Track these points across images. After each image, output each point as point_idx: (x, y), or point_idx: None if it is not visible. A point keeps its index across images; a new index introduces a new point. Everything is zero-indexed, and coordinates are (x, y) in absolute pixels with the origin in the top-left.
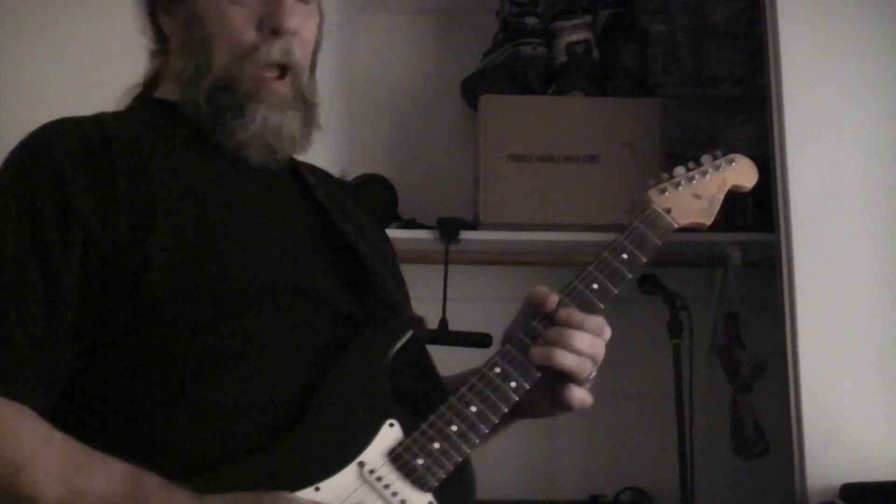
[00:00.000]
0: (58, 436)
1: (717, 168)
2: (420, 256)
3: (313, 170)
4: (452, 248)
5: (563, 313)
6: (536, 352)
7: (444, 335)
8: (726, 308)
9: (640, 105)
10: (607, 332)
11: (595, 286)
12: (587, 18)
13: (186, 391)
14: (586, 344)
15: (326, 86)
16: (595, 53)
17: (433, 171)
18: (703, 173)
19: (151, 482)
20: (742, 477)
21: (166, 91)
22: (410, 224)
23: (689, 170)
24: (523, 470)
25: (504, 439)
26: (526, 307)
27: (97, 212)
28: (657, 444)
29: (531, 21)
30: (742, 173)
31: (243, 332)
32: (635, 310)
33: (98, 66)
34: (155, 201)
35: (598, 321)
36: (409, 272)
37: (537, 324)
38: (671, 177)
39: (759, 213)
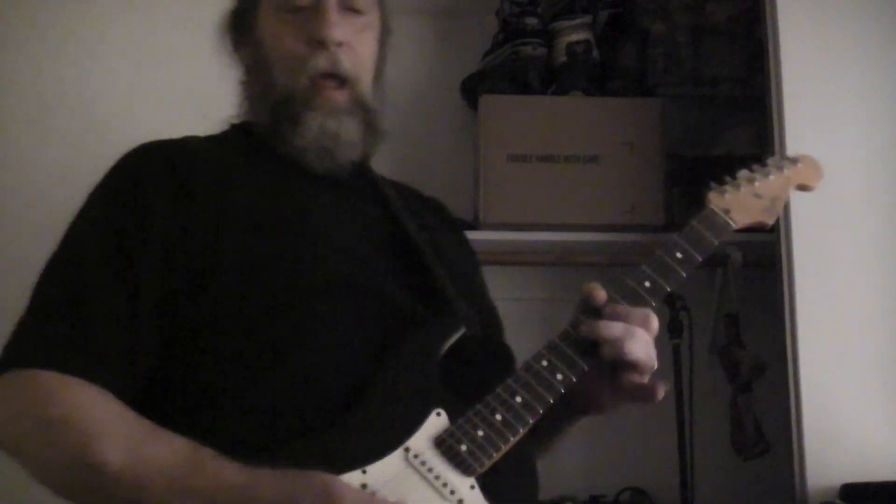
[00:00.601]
0: (129, 414)
1: (780, 168)
2: None
3: (396, 185)
4: None
5: (610, 308)
6: (605, 347)
7: None
8: (726, 308)
9: (640, 105)
10: (654, 324)
11: (647, 284)
12: (587, 18)
13: (249, 382)
14: (633, 330)
15: None
16: (595, 53)
17: (433, 171)
18: (766, 174)
19: (208, 453)
20: (742, 477)
21: (248, 114)
22: None
23: (752, 171)
24: None
25: None
26: (579, 303)
27: (175, 218)
28: (657, 444)
29: (531, 21)
30: (807, 173)
31: (305, 328)
32: None
33: (99, 66)
34: (228, 209)
35: (642, 313)
36: None
37: (584, 317)
38: (733, 179)
39: None
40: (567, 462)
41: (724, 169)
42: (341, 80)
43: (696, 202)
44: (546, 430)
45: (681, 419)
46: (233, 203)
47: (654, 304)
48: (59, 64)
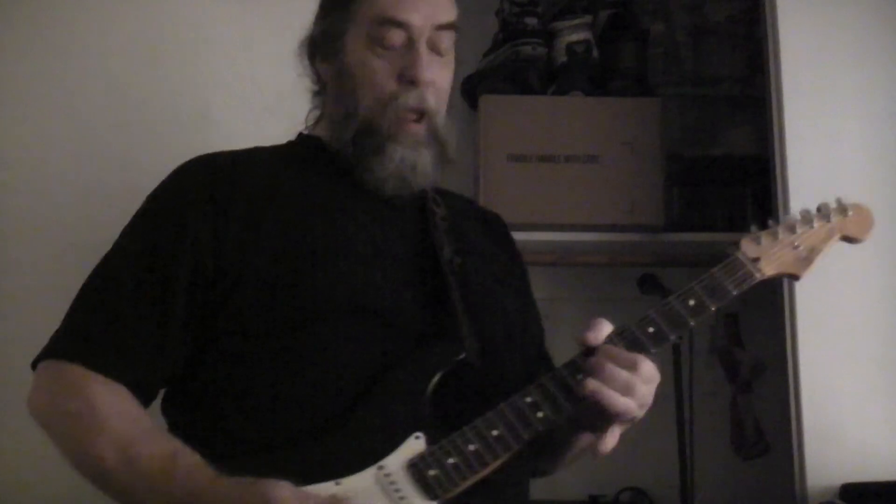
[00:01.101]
0: (134, 413)
1: (827, 218)
2: None
3: (453, 199)
4: None
5: (603, 348)
6: (589, 383)
7: None
8: (726, 308)
9: (639, 105)
10: (644, 369)
11: (651, 329)
12: (587, 18)
13: (253, 390)
14: (621, 380)
15: None
16: (595, 53)
17: None
18: (809, 222)
19: (185, 461)
20: (742, 477)
21: (321, 129)
22: None
23: (800, 218)
24: None
25: None
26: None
27: (210, 233)
28: (657, 444)
29: (531, 21)
30: (856, 225)
31: (313, 347)
32: (635, 310)
33: (99, 67)
34: (263, 226)
35: (630, 357)
36: None
37: (578, 358)
38: (776, 224)
39: (759, 213)
40: None
41: (723, 169)
42: (420, 114)
43: (696, 202)
44: (548, 455)
45: (681, 419)
46: (270, 219)
47: (652, 350)
48: (60, 64)
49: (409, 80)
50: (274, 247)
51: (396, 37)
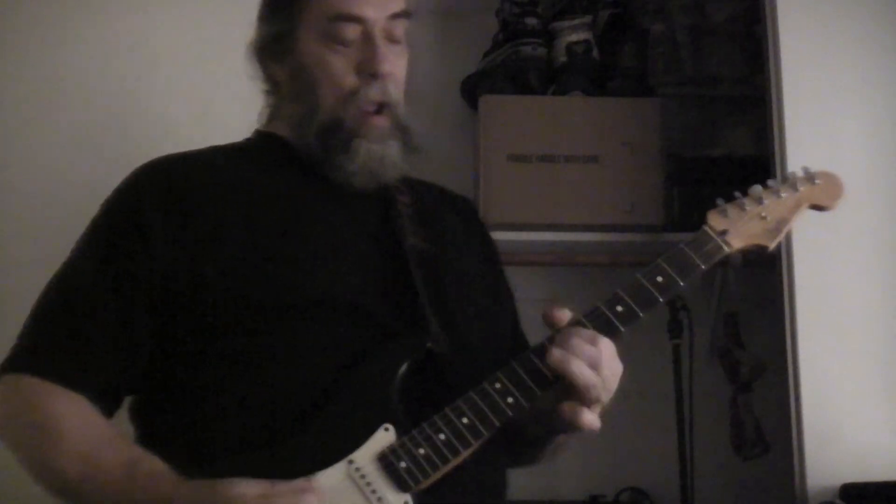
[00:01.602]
0: (94, 422)
1: (795, 187)
2: None
3: (420, 186)
4: None
5: (570, 327)
6: (554, 352)
7: None
8: (726, 308)
9: (639, 105)
10: (601, 343)
11: (619, 308)
12: (587, 18)
13: (220, 390)
14: (586, 351)
15: None
16: (595, 53)
17: (433, 171)
18: (776, 193)
19: (147, 468)
20: (742, 477)
21: (276, 126)
22: None
23: (765, 188)
24: (523, 470)
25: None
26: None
27: (168, 236)
28: (657, 444)
29: (531, 21)
30: (824, 192)
31: (280, 344)
32: None
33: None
34: (224, 225)
35: (590, 333)
36: None
37: (546, 341)
38: (741, 196)
39: None
40: (567, 462)
41: (723, 169)
42: (381, 106)
43: (696, 202)
44: (527, 445)
45: (681, 419)
46: (230, 219)
47: (622, 329)
48: (60, 64)
49: (369, 73)
50: (235, 246)
51: (351, 31)
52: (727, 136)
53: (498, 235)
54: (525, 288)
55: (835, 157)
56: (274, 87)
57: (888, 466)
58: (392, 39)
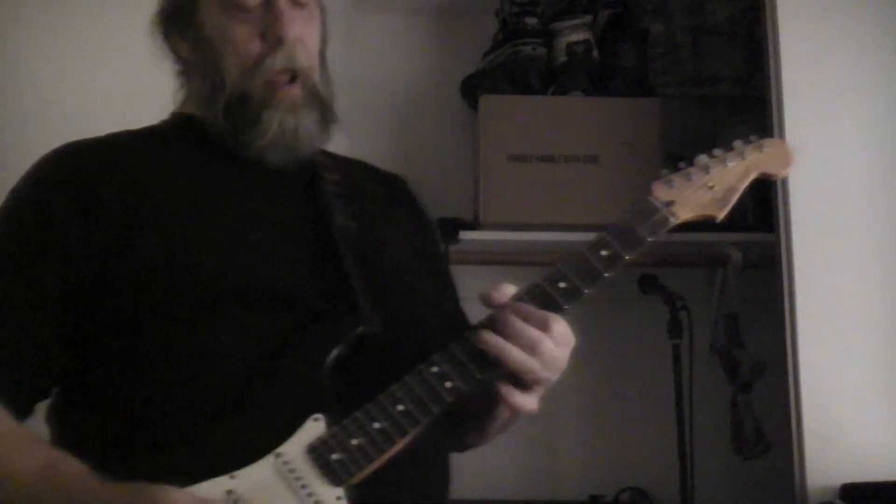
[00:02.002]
0: (6, 425)
1: (742, 155)
2: None
3: (346, 163)
4: (452, 248)
5: (512, 305)
6: (485, 336)
7: None
8: (726, 308)
9: (639, 105)
10: (556, 329)
11: (562, 285)
12: (587, 18)
13: (137, 387)
14: (526, 335)
15: None
16: (595, 53)
17: (433, 171)
18: (724, 161)
19: (66, 469)
20: (742, 477)
21: (191, 106)
22: None
23: (711, 157)
24: (523, 470)
25: (503, 439)
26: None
27: (81, 224)
28: (657, 444)
29: (531, 21)
30: (772, 159)
31: (206, 335)
32: (635, 310)
33: (99, 66)
34: (139, 214)
35: (542, 315)
36: None
37: (485, 320)
38: (687, 166)
39: (759, 213)
40: (567, 462)
41: None
42: (293, 75)
43: None
44: (470, 428)
45: (681, 419)
46: (148, 203)
47: (565, 307)
48: (60, 64)
49: (273, 39)
50: (151, 236)
51: None
52: (727, 136)
53: (498, 235)
54: None
55: (835, 157)
56: (184, 66)
57: (888, 466)
58: (297, 3)
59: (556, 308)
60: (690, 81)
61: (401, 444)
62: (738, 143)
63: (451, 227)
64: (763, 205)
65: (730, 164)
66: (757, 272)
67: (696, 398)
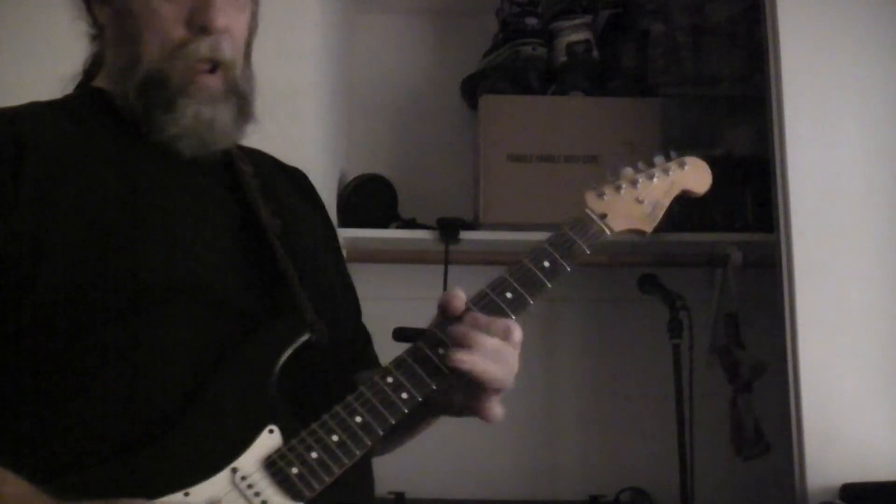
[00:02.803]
0: None
1: (667, 171)
2: (420, 256)
3: (256, 157)
4: (452, 248)
5: (469, 318)
6: (452, 353)
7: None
8: (726, 308)
9: (640, 105)
10: (516, 335)
11: (509, 295)
12: (587, 18)
13: (70, 391)
14: (489, 346)
15: (326, 86)
16: (595, 53)
17: (433, 171)
18: (650, 176)
19: (12, 490)
20: (742, 477)
21: (102, 80)
22: (410, 224)
23: (637, 171)
24: (523, 470)
25: (503, 439)
26: (437, 312)
27: None
28: (657, 444)
29: (531, 21)
30: (693, 178)
31: (135, 334)
32: (635, 310)
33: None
34: (58, 199)
35: (503, 324)
36: (409, 272)
37: (438, 330)
38: (614, 179)
39: (759, 213)
40: (567, 462)
41: (723, 169)
42: (215, 65)
43: (696, 202)
44: (397, 430)
45: (681, 419)
46: (64, 191)
47: (513, 317)
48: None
49: (199, 26)
50: (75, 224)
51: None
52: (727, 136)
53: (498, 235)
54: None
55: (835, 157)
56: (99, 32)
57: (888, 466)
58: None
59: (506, 318)
60: (690, 81)
61: (358, 456)
62: (659, 160)
63: (451, 227)
64: (763, 205)
65: (655, 180)
66: (757, 272)
67: (696, 398)
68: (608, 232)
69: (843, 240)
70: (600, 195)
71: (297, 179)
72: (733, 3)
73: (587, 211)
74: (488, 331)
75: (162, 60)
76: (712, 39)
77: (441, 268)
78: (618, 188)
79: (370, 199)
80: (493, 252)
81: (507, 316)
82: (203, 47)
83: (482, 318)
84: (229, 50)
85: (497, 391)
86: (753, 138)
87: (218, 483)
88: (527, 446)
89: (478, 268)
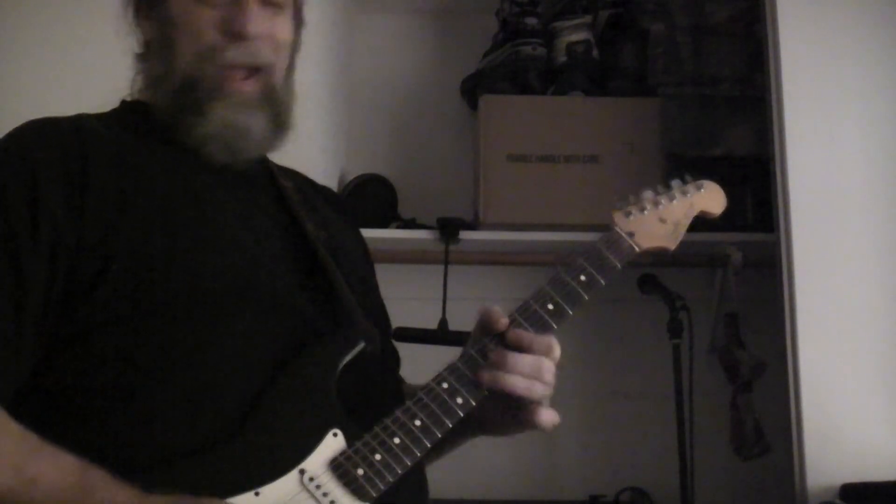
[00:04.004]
0: (14, 427)
1: (685, 193)
2: (420, 256)
3: (292, 175)
4: (452, 248)
5: (513, 334)
6: (484, 375)
7: (443, 335)
8: (726, 308)
9: (640, 105)
10: (556, 352)
11: (550, 307)
12: (587, 18)
13: (138, 391)
14: (529, 366)
15: (326, 86)
16: (595, 53)
17: (433, 171)
18: (671, 198)
19: (98, 476)
20: (742, 477)
21: (142, 93)
22: (410, 224)
23: (657, 194)
24: (523, 470)
25: (503, 439)
26: (479, 324)
27: (67, 211)
28: (657, 444)
29: (531, 21)
30: (710, 199)
31: (200, 335)
32: (635, 310)
33: (98, 65)
34: (125, 202)
35: (546, 341)
36: (409, 272)
37: (489, 342)
38: (638, 200)
39: (759, 213)
40: (567, 462)
41: (723, 169)
42: (253, 70)
43: None
44: (441, 445)
45: (681, 419)
46: (130, 194)
47: (555, 327)
48: (60, 64)
49: (233, 32)
50: (144, 229)
51: None
52: (727, 136)
53: (498, 235)
54: (525, 288)
55: (835, 157)
56: (146, 48)
57: (888, 466)
58: (268, 2)
59: (548, 328)
60: (690, 81)
61: (419, 457)
62: (676, 183)
63: (451, 227)
64: (763, 205)
65: (675, 202)
66: (757, 272)
67: (696, 398)
68: (636, 249)
69: (843, 240)
70: (627, 214)
71: (331, 197)
72: (733, 3)
73: (616, 229)
74: (530, 349)
75: (194, 66)
76: (712, 39)
77: (441, 268)
78: (642, 209)
79: (370, 199)
80: (493, 252)
81: (549, 326)
82: (238, 53)
83: (526, 336)
84: (270, 54)
85: (542, 401)
86: (753, 138)
87: (287, 484)
88: (527, 446)
89: (478, 268)
